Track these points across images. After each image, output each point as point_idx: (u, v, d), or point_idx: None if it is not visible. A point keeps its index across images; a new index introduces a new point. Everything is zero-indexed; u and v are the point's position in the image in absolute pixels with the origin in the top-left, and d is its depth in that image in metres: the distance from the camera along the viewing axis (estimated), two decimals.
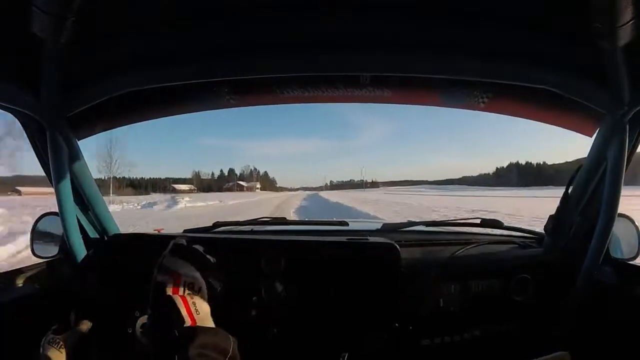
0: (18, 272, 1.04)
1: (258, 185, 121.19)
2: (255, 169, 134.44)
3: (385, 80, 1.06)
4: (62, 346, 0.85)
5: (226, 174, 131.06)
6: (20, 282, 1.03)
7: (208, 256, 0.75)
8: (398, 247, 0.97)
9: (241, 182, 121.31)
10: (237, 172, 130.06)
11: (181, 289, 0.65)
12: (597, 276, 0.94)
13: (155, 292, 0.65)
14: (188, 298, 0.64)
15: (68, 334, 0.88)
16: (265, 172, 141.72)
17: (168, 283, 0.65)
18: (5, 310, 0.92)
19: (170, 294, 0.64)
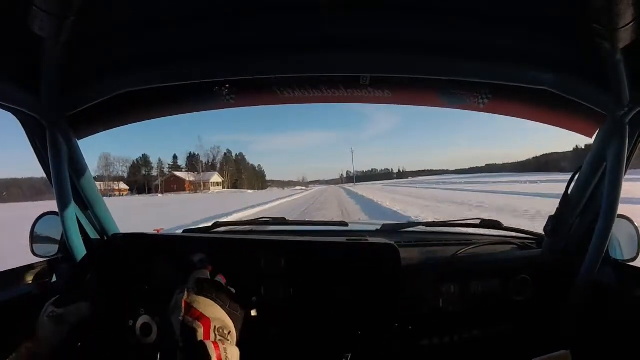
0: (18, 271, 1.04)
1: (216, 179, 67.67)
2: (229, 151, 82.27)
3: (385, 81, 1.06)
4: (61, 322, 0.81)
5: (182, 163, 74.92)
6: (20, 281, 1.03)
7: (230, 287, 0.75)
8: (397, 247, 0.97)
9: (178, 174, 66.44)
10: (205, 159, 76.48)
11: (212, 335, 0.65)
12: (596, 277, 0.94)
13: (186, 336, 0.64)
14: (220, 344, 0.63)
15: (70, 310, 0.84)
16: (241, 154, 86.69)
17: (198, 328, 0.64)
18: (5, 310, 0.92)
19: (202, 339, 0.63)
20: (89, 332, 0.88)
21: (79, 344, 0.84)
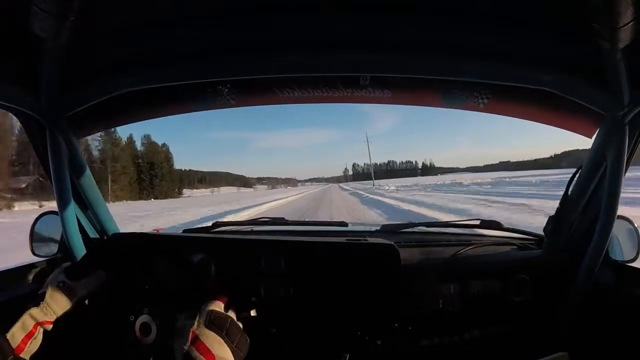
0: (18, 271, 1.05)
1: None
2: None
3: (385, 81, 1.06)
4: (72, 293, 0.82)
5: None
6: (20, 281, 1.04)
7: (238, 322, 0.75)
8: (397, 248, 0.97)
9: None
10: None
11: None
12: (596, 278, 0.94)
13: None
14: None
15: (81, 283, 0.85)
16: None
17: None
18: (4, 309, 0.92)
19: None
20: (94, 311, 0.89)
21: (83, 320, 0.85)
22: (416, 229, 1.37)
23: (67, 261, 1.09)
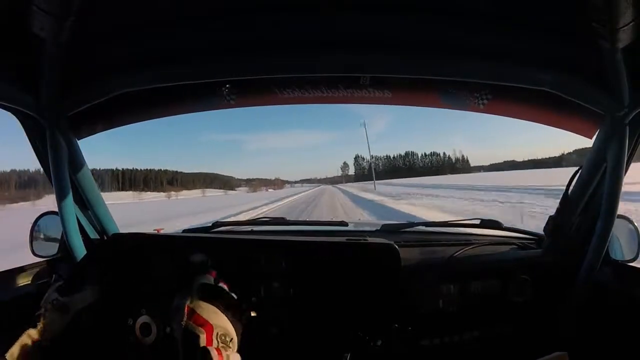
0: (18, 271, 1.05)
1: None
2: None
3: (385, 81, 1.06)
4: (66, 310, 0.81)
5: None
6: (20, 281, 1.03)
7: (232, 293, 0.76)
8: (397, 247, 0.97)
9: None
10: None
11: (214, 341, 0.66)
12: (596, 277, 0.94)
13: (188, 341, 0.66)
14: (222, 350, 0.65)
15: (75, 298, 0.85)
16: None
17: (201, 334, 0.65)
18: (5, 309, 0.92)
19: (204, 345, 0.64)
20: (91, 322, 0.88)
21: (81, 333, 0.84)
22: (416, 229, 1.37)
23: (67, 261, 1.09)
